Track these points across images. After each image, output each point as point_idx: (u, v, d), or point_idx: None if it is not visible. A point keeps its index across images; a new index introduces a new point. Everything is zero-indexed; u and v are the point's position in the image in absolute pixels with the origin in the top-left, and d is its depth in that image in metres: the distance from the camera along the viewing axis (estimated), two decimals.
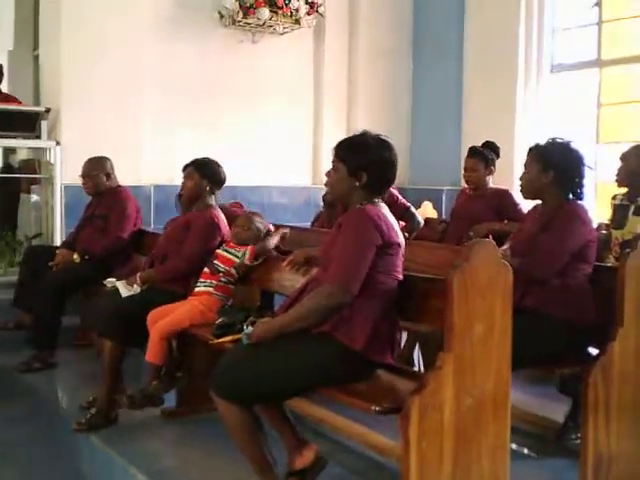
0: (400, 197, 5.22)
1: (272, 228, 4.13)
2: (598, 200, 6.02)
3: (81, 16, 5.84)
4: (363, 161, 2.81)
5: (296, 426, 2.99)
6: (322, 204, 5.93)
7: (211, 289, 3.86)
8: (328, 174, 3.03)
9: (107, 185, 5.03)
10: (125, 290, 4.01)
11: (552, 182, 3.26)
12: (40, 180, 6.11)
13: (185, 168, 4.26)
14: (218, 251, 3.98)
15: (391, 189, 5.16)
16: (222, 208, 4.59)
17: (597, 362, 3.00)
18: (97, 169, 5.00)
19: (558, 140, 3.34)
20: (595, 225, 3.67)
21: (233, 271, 3.90)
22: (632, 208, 4.09)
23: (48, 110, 5.86)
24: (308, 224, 5.69)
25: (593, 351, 3.18)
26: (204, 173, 4.18)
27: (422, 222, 5.25)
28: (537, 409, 3.79)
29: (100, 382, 3.90)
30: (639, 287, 3.00)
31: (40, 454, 3.87)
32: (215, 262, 3.94)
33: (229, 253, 3.95)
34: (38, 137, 5.89)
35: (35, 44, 7.04)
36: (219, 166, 4.28)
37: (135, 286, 4.02)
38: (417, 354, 4.22)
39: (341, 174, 2.85)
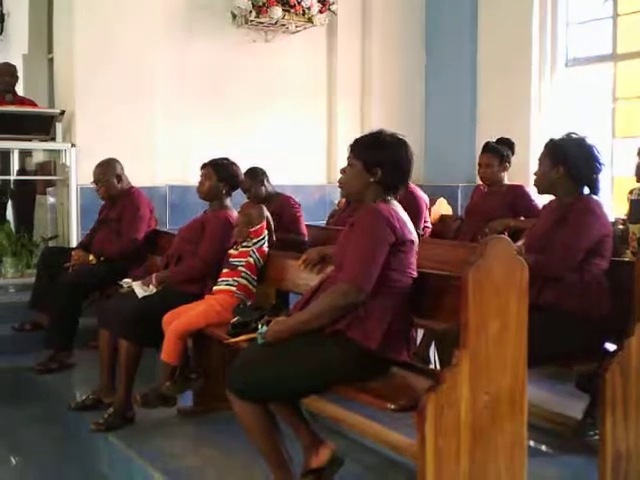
0: (428, 223, 5.22)
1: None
2: (615, 194, 5.98)
3: (94, 19, 5.88)
4: (379, 157, 2.81)
5: (312, 425, 2.99)
6: (336, 202, 5.95)
7: (233, 288, 3.85)
8: (343, 171, 3.02)
9: (119, 187, 5.02)
10: (141, 291, 4.01)
11: (563, 177, 3.23)
12: (56, 182, 6.15)
13: (203, 167, 4.24)
14: (230, 251, 3.99)
15: (424, 214, 5.16)
16: (274, 194, 4.89)
17: (614, 358, 2.98)
18: (107, 173, 4.99)
19: (572, 135, 3.31)
20: (612, 220, 3.64)
21: (251, 260, 3.88)
22: None
23: (63, 112, 5.90)
24: (323, 222, 5.68)
25: (610, 347, 3.16)
26: (222, 175, 4.17)
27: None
28: (554, 406, 3.77)
29: (98, 381, 4.07)
30: None
31: (59, 454, 3.90)
32: (231, 260, 3.94)
33: (241, 247, 3.96)
34: (53, 139, 5.93)
35: (49, 48, 7.08)
36: (237, 168, 4.27)
37: (151, 287, 4.02)
38: (433, 352, 4.21)
39: (356, 169, 2.84)
